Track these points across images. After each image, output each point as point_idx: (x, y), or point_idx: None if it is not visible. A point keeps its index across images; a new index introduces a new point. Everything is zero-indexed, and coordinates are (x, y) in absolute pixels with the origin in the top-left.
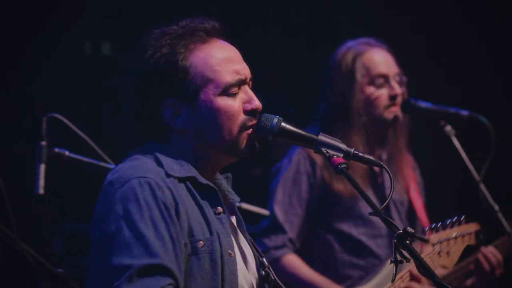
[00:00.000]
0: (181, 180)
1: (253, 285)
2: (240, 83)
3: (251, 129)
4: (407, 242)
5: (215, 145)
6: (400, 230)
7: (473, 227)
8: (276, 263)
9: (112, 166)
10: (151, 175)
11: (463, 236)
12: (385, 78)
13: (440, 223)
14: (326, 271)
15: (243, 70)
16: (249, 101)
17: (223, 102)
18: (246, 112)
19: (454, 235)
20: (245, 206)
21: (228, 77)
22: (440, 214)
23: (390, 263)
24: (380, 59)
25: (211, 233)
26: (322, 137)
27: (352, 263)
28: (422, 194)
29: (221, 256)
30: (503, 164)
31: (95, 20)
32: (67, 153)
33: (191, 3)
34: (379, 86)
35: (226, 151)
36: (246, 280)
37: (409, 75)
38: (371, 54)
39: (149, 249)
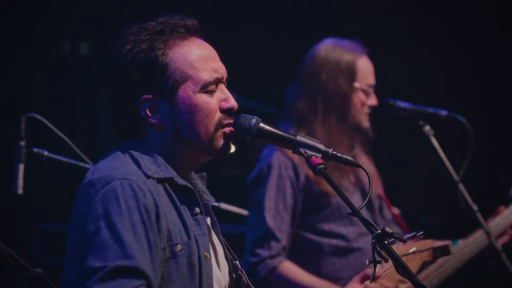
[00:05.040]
0: (160, 181)
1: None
2: (218, 81)
3: (226, 128)
4: (386, 242)
5: (191, 143)
6: (378, 230)
7: (429, 243)
8: (273, 272)
9: (90, 166)
10: (133, 177)
11: (420, 251)
12: (372, 88)
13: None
14: (314, 275)
15: (221, 69)
16: (225, 99)
17: (201, 99)
18: (222, 110)
19: (412, 250)
20: (224, 206)
21: (206, 75)
22: (418, 214)
23: (368, 263)
24: (371, 69)
25: (188, 237)
26: (300, 138)
27: (342, 264)
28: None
29: (199, 259)
30: (483, 163)
31: (74, 21)
32: (46, 153)
33: (170, 4)
34: (367, 94)
35: (201, 149)
36: (218, 283)
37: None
38: (366, 61)
39: (125, 251)
